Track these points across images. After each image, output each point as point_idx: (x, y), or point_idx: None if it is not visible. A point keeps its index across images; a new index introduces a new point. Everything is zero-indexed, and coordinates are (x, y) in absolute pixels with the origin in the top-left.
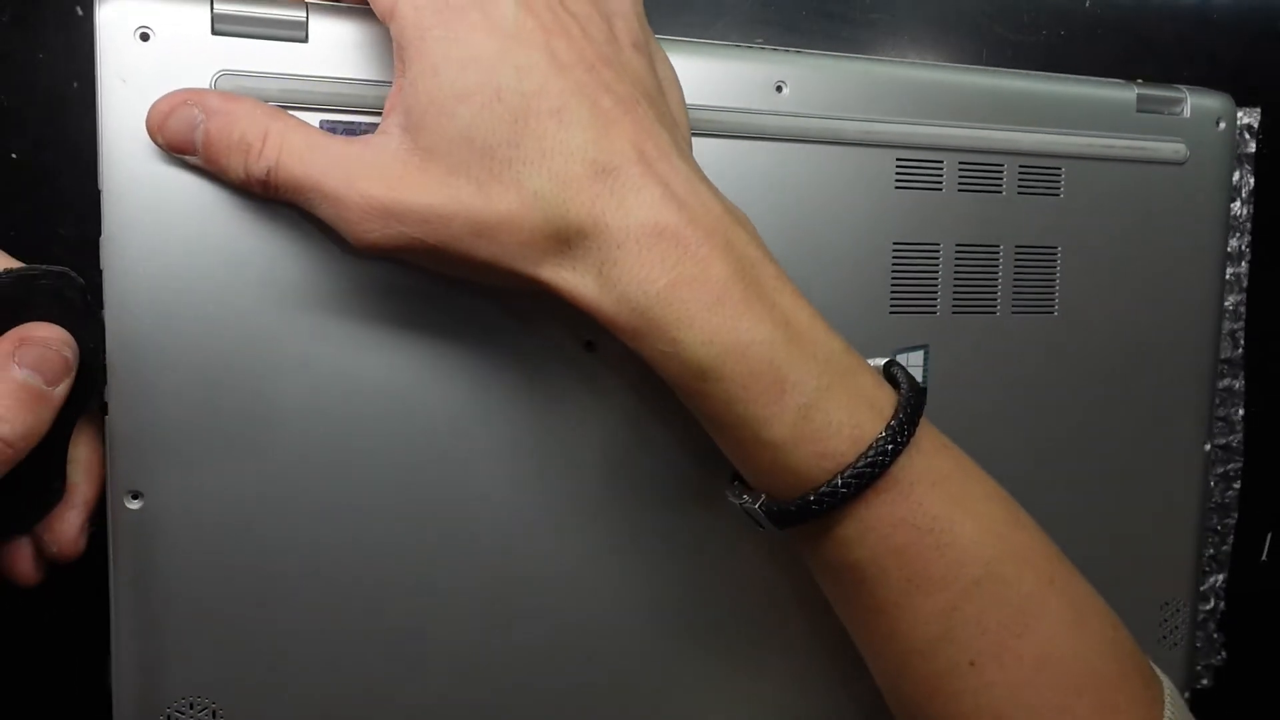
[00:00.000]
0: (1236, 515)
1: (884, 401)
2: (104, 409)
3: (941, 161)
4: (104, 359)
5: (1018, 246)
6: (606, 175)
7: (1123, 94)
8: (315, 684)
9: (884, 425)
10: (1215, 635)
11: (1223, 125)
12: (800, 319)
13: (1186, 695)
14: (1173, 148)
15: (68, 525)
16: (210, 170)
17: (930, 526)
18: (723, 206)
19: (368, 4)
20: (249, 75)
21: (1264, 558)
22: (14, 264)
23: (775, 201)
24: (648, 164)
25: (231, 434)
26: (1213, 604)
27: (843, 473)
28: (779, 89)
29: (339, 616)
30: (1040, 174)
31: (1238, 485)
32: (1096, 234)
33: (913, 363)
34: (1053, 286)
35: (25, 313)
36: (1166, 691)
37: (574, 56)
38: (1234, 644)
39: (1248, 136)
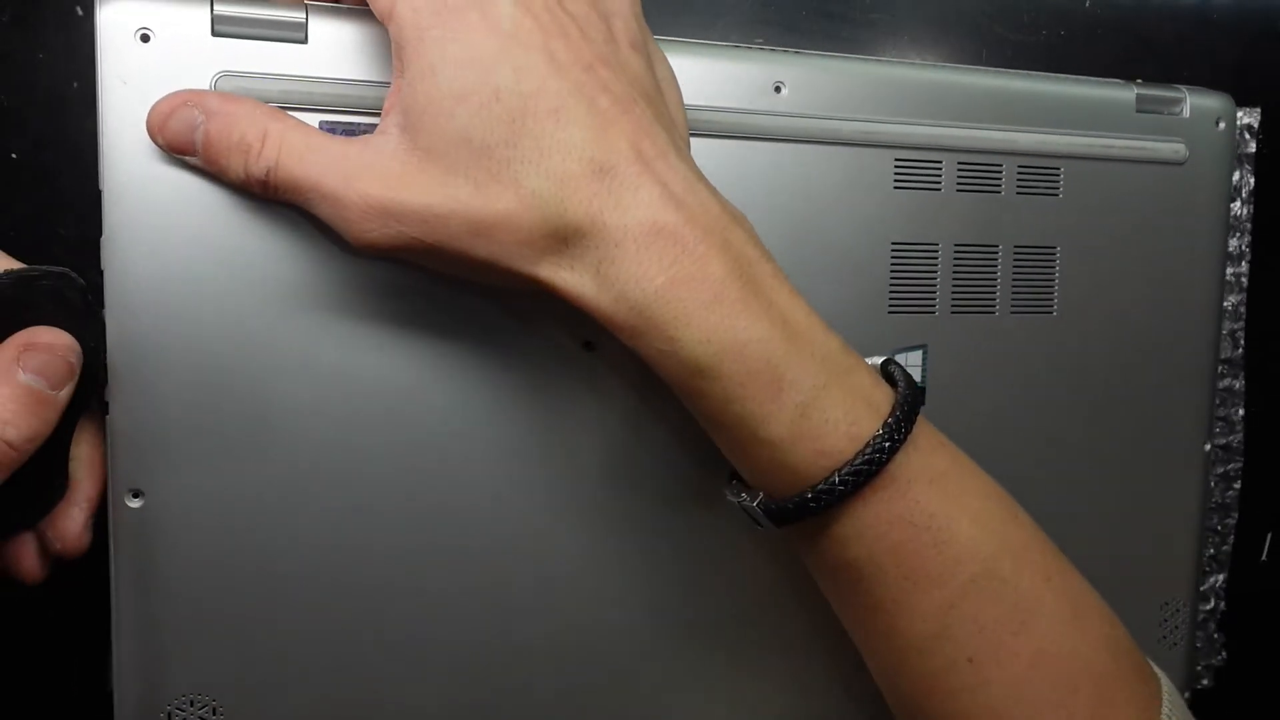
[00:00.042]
0: (1236, 515)
1: (881, 399)
2: (105, 408)
3: (940, 162)
4: (104, 358)
5: (1016, 247)
6: (604, 174)
7: (1122, 94)
8: (315, 682)
9: (881, 423)
10: (1215, 635)
11: (1222, 125)
12: (798, 317)
13: (1186, 695)
14: (1172, 148)
15: (71, 522)
16: (210, 171)
17: (927, 524)
18: (720, 205)
19: (367, 5)
20: (249, 76)
21: (1264, 558)
22: (14, 264)
23: (774, 202)
24: (645, 163)
25: (232, 433)
26: (1213, 604)
27: (840, 470)
28: (778, 89)
29: (339, 614)
30: (1039, 174)
31: (1238, 485)
32: (1096, 234)
33: (911, 362)
34: (1052, 286)
35: (26, 314)
36: (1164, 688)
37: (572, 57)
38: (1234, 644)
39: (1248, 136)
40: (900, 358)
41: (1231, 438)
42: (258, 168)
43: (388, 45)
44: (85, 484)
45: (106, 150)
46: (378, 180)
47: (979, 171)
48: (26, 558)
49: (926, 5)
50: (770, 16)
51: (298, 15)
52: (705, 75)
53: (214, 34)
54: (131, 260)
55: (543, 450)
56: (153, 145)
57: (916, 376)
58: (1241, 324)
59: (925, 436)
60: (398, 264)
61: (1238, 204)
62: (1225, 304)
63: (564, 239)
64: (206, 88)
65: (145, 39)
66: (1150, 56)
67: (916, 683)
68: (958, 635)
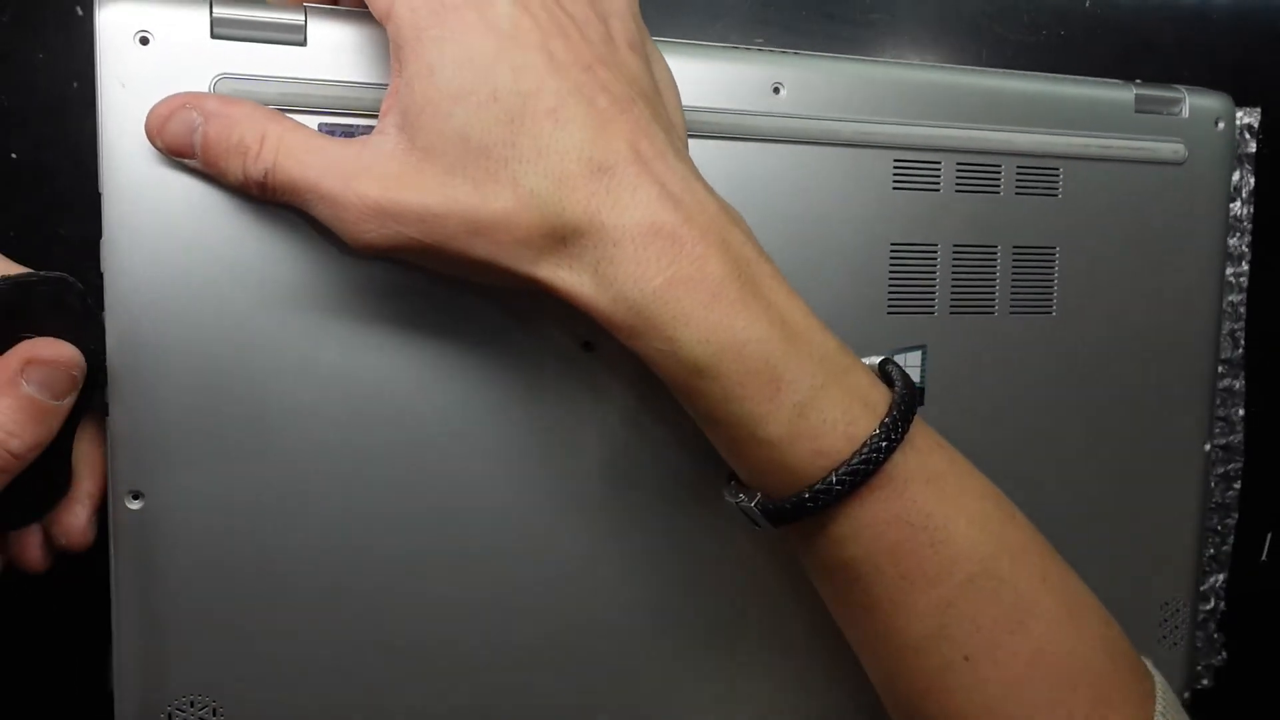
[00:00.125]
0: (1236, 515)
1: (878, 399)
2: (104, 410)
3: (939, 162)
4: (104, 361)
5: (1015, 247)
6: (603, 174)
7: (1121, 94)
8: (315, 682)
9: (878, 423)
10: (1215, 635)
11: (1222, 125)
12: (796, 317)
13: (1186, 695)
14: (1172, 148)
15: (75, 518)
16: (209, 173)
17: (924, 524)
18: (718, 205)
19: (365, 7)
20: (248, 78)
21: (1264, 558)
22: (12, 267)
23: (773, 203)
24: (644, 163)
25: (231, 434)
26: (1213, 604)
27: (837, 470)
28: (776, 90)
29: (339, 615)
30: (1038, 174)
31: (1238, 485)
32: (1095, 235)
33: (910, 363)
34: (1051, 287)
35: (25, 320)
36: (1158, 686)
37: (570, 57)
38: (1234, 644)
39: (1248, 136)
40: (899, 358)
41: (1231, 438)
42: (256, 169)
43: (386, 47)
44: (87, 481)
45: (106, 152)
46: (376, 181)
47: (978, 172)
48: (31, 549)
49: (926, 5)
50: (770, 17)
51: (296, 18)
52: (704, 76)
53: (213, 36)
54: (131, 262)
55: (542, 450)
56: (152, 148)
57: (916, 377)
58: (1241, 324)
59: (922, 437)
60: (397, 265)
61: (1238, 204)
62: (1225, 304)
63: (562, 239)
64: (206, 90)
65: (144, 41)
66: (1150, 57)
67: (913, 682)
68: (955, 634)
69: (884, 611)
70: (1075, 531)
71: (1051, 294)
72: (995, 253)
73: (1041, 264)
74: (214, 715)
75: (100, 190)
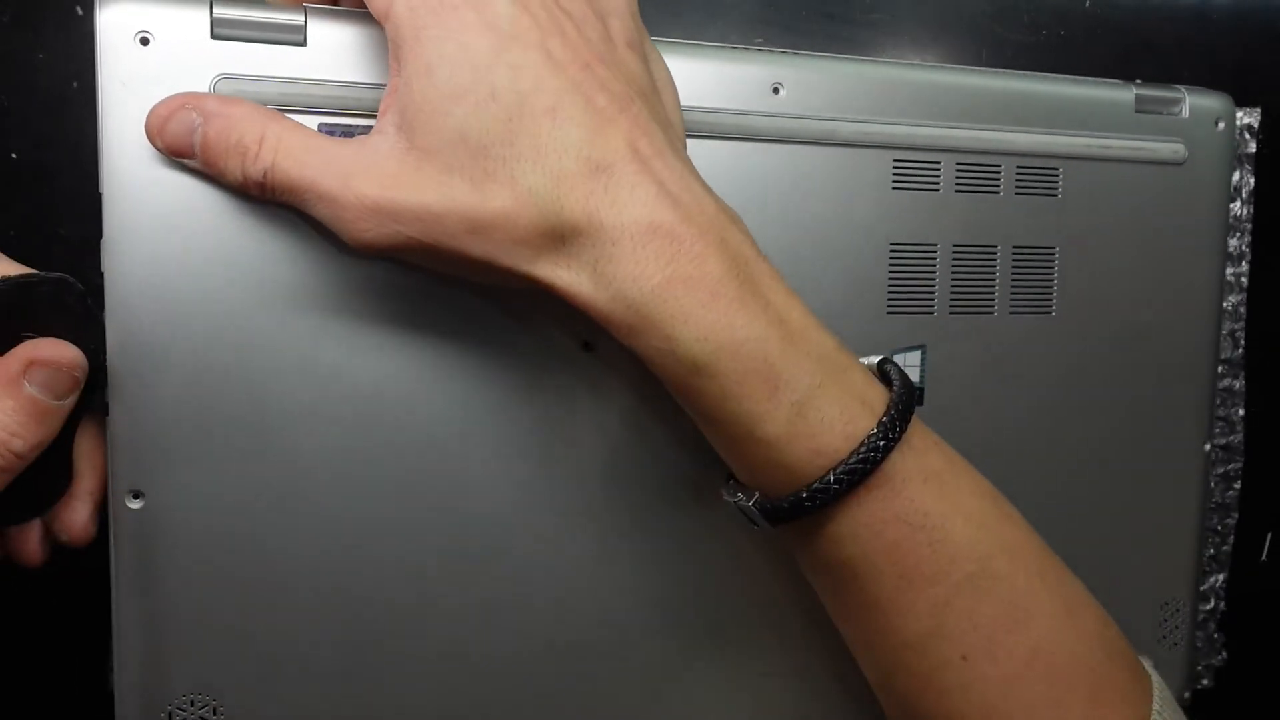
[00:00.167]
0: (1236, 515)
1: (876, 398)
2: (105, 409)
3: (939, 162)
4: (104, 361)
5: (1015, 247)
6: (601, 172)
7: (1120, 94)
8: (315, 680)
9: (876, 422)
10: (1215, 635)
11: (1222, 125)
12: (794, 316)
13: (1186, 695)
14: (1171, 148)
15: (76, 514)
16: (209, 173)
17: (922, 523)
18: (717, 205)
19: (365, 7)
20: (248, 79)
21: (1264, 558)
22: (12, 266)
23: (772, 203)
24: (642, 161)
25: (231, 434)
26: (1213, 604)
27: (835, 469)
28: (775, 90)
29: (338, 614)
30: (1038, 174)
31: (1238, 485)
32: (1094, 234)
33: (910, 363)
34: (1050, 286)
35: (26, 320)
36: (1155, 685)
37: (569, 55)
38: (1234, 644)
39: (1248, 136)
40: (899, 358)
41: (1231, 438)
42: (255, 169)
43: (386, 47)
44: (88, 478)
45: (106, 153)
46: (374, 180)
47: (977, 172)
48: (29, 544)
49: (926, 5)
50: (770, 16)
51: (296, 18)
52: (703, 76)
53: (213, 37)
54: (131, 262)
55: (541, 450)
56: (152, 148)
57: (915, 377)
58: (1241, 324)
59: (920, 436)
60: (397, 265)
61: (1238, 204)
62: (1225, 304)
63: (561, 237)
64: (206, 90)
65: (145, 42)
66: (1150, 57)
67: (910, 681)
68: (952, 633)
69: (881, 610)
70: (1075, 531)
71: (1051, 294)
72: (995, 253)
73: (1041, 264)
74: (214, 714)
75: (101, 190)
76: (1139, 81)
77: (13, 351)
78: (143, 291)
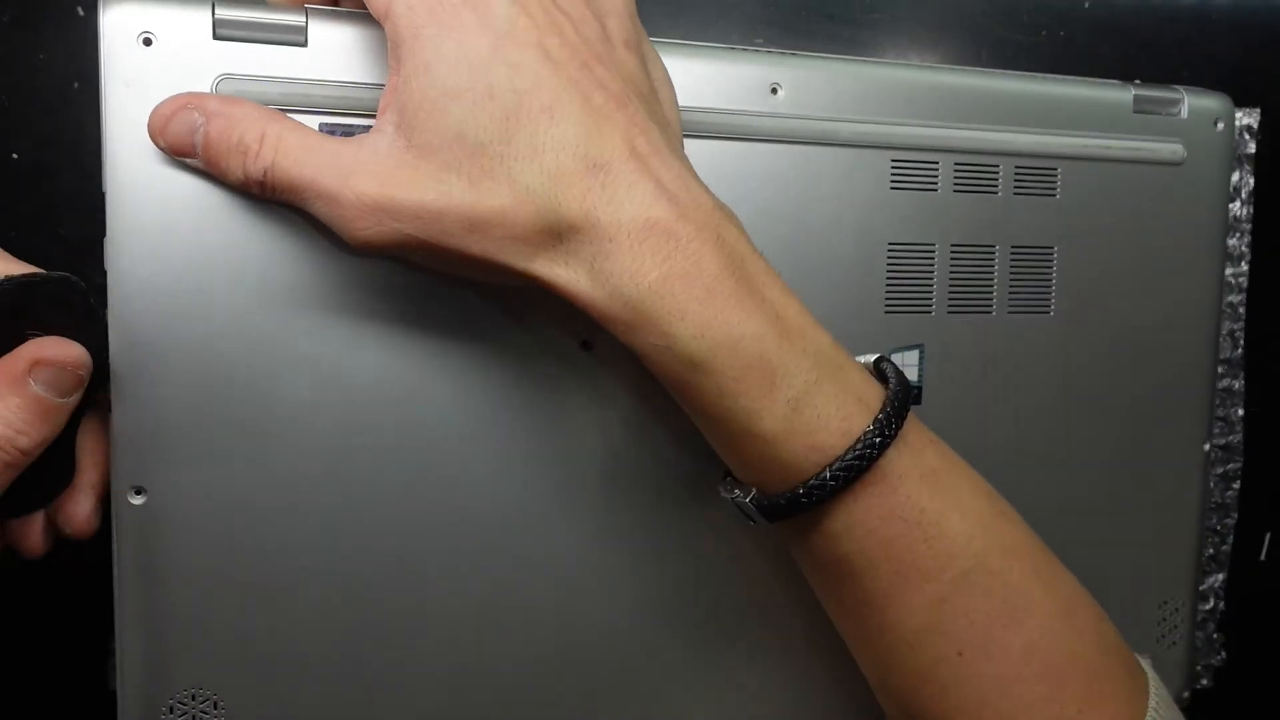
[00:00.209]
0: (1236, 515)
1: (872, 396)
2: (107, 406)
3: (937, 163)
4: (107, 358)
5: (1013, 247)
6: (598, 170)
7: (1119, 95)
8: (315, 675)
9: (872, 419)
10: (1215, 635)
11: (1221, 126)
12: (790, 314)
13: (1186, 695)
14: (1170, 148)
15: (79, 508)
16: (211, 172)
17: (918, 519)
18: (713, 203)
19: (365, 8)
20: (250, 79)
21: (1263, 557)
22: (15, 264)
23: (771, 203)
24: (640, 159)
25: (233, 431)
26: (1212, 604)
27: (831, 465)
28: (774, 91)
29: (339, 610)
30: (1036, 175)
31: (1237, 485)
32: (1093, 234)
33: (908, 362)
34: (1049, 286)
35: (29, 320)
36: (1151, 682)
37: (567, 54)
38: (1234, 644)
39: (1247, 137)
40: (897, 357)
41: (1231, 438)
42: (255, 168)
43: (386, 47)
44: (90, 471)
45: (109, 153)
46: (373, 178)
47: (976, 172)
48: (32, 535)
49: (926, 5)
50: (770, 17)
51: (297, 19)
52: (701, 77)
53: (215, 38)
54: (134, 261)
55: (540, 449)
56: (155, 147)
57: (913, 376)
58: (1241, 324)
59: (915, 433)
60: (397, 264)
61: (1237, 204)
62: (1225, 304)
63: (558, 235)
64: (208, 91)
65: (148, 43)
66: (1150, 57)
67: (907, 677)
68: (948, 629)
69: (878, 606)
70: (1074, 531)
71: (1049, 294)
72: (993, 252)
73: (1039, 264)
74: (215, 708)
75: (104, 190)
76: (1138, 82)
77: (18, 350)
78: (146, 290)
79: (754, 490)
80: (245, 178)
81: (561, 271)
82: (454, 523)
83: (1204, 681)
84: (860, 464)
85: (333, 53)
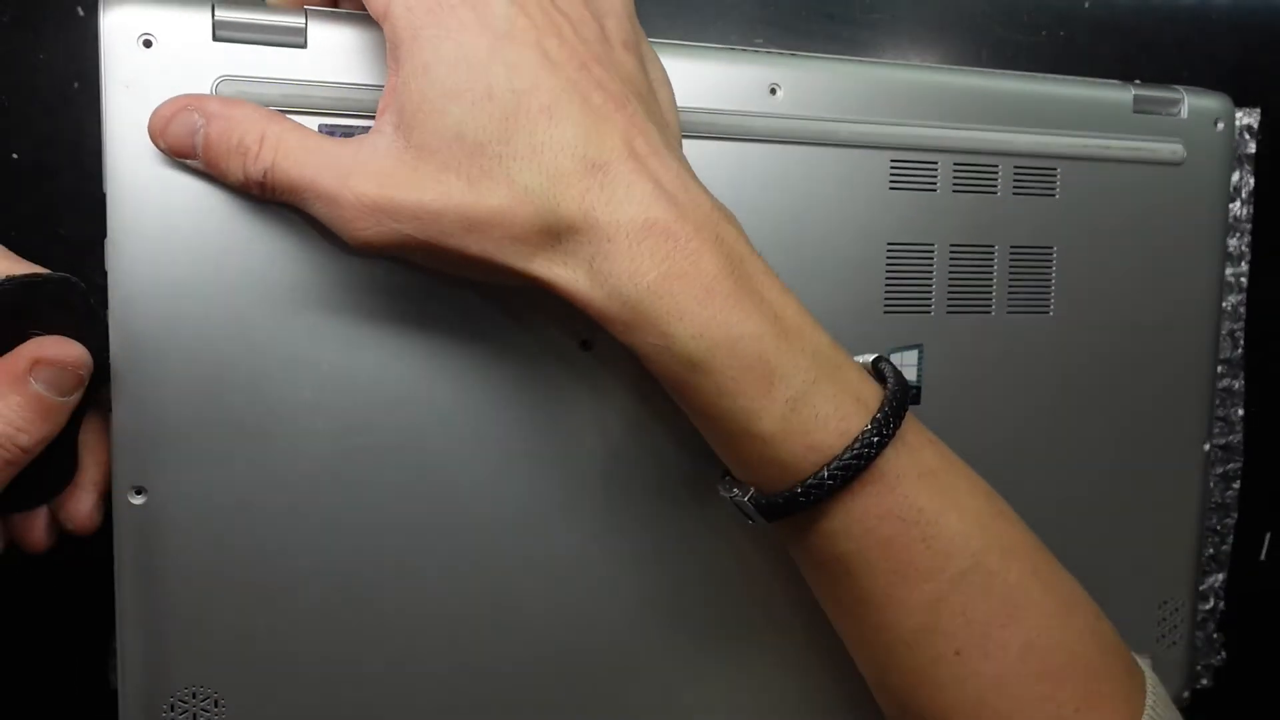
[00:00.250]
0: (1236, 515)
1: (870, 396)
2: (108, 406)
3: (936, 163)
4: (107, 359)
5: (1013, 247)
6: (597, 170)
7: (1119, 95)
8: (315, 673)
9: (870, 418)
10: (1215, 635)
11: (1221, 126)
12: (788, 313)
13: (1186, 695)
14: (1170, 148)
15: (81, 504)
16: (211, 173)
17: (916, 519)
18: (712, 203)
19: (364, 9)
20: (250, 80)
21: (1263, 557)
22: (17, 263)
23: (770, 203)
24: (638, 160)
25: (233, 431)
26: (1212, 604)
27: (829, 465)
28: (773, 91)
29: (338, 608)
30: (1035, 175)
31: (1237, 485)
32: (1093, 234)
33: (907, 362)
34: (1048, 286)
35: (29, 320)
36: (1149, 681)
37: (565, 54)
38: (1234, 644)
39: (1247, 137)
40: (896, 357)
41: (1231, 438)
42: (255, 169)
43: (385, 48)
44: (92, 469)
45: (110, 154)
46: (372, 178)
47: (975, 172)
48: (34, 531)
49: (926, 5)
50: (769, 17)
51: (297, 20)
52: (700, 77)
53: (215, 39)
54: (135, 262)
55: (541, 449)
56: (155, 149)
57: (912, 376)
58: (1241, 324)
59: (914, 433)
60: (397, 264)
61: (1237, 204)
62: (1225, 304)
63: (557, 235)
64: (207, 92)
65: (148, 44)
66: (1150, 57)
67: (904, 676)
68: (946, 628)
69: (876, 606)
70: (1074, 531)
71: (1049, 294)
72: (992, 252)
73: (1039, 264)
74: (215, 706)
75: (104, 191)
76: (1138, 82)
77: (19, 349)
78: (146, 290)
79: (752, 489)
80: (245, 179)
81: (560, 271)
82: (454, 522)
83: (1204, 681)
84: (858, 463)
85: (332, 54)
